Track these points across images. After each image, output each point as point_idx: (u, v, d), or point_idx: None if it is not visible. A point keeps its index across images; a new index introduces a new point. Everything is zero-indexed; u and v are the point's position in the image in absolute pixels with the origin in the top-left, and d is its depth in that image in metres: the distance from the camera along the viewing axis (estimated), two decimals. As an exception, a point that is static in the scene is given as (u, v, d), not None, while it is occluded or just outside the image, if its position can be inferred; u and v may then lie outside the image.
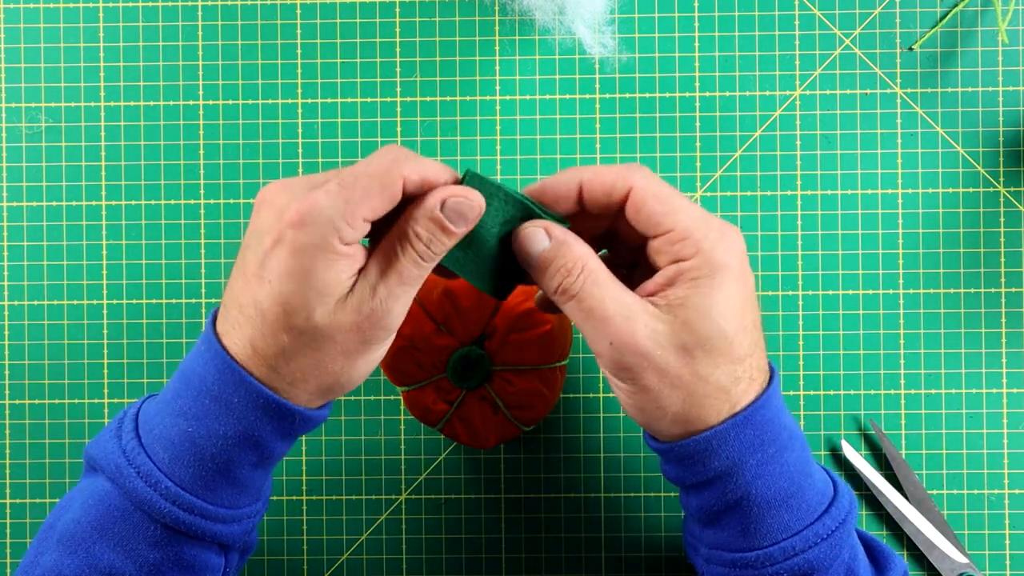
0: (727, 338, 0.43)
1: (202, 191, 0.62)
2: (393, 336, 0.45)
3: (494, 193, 0.45)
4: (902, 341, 0.61)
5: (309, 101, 0.62)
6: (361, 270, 0.43)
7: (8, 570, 0.62)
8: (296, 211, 0.42)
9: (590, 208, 0.45)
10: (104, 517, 0.45)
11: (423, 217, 0.43)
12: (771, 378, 0.46)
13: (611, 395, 0.61)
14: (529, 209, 0.45)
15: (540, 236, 0.44)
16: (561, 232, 0.45)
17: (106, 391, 0.61)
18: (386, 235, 0.44)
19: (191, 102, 0.62)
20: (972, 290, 0.61)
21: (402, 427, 0.62)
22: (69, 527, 0.45)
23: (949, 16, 0.61)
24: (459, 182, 0.44)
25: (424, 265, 0.43)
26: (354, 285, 0.43)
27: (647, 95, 0.62)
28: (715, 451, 0.44)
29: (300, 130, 0.62)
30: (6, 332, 0.62)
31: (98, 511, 0.45)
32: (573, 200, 0.45)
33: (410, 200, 0.44)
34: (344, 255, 0.42)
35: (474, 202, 0.43)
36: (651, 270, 0.45)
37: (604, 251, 0.50)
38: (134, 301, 0.62)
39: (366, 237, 0.44)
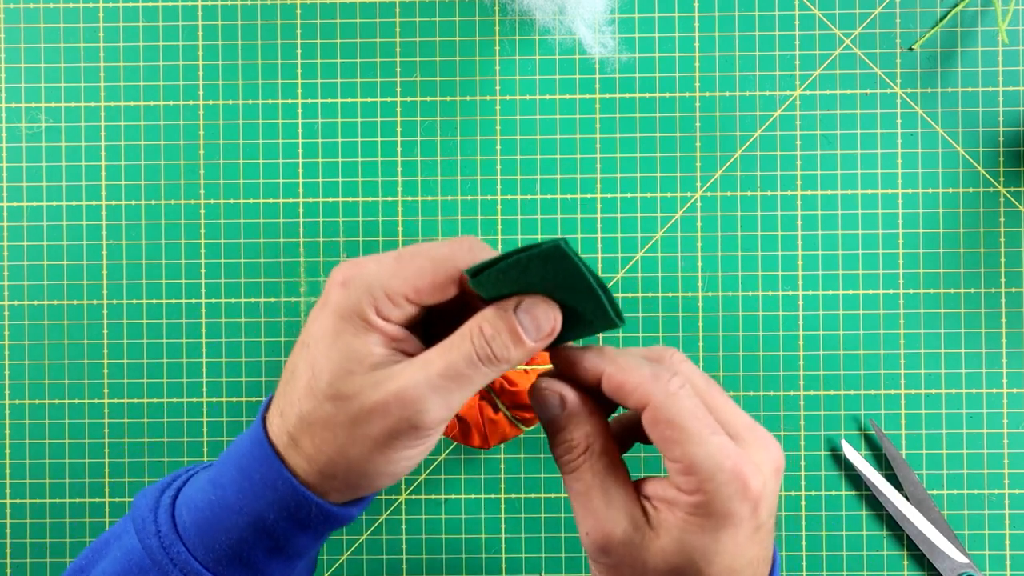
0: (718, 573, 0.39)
1: (202, 191, 0.62)
2: (428, 444, 0.41)
3: (575, 284, 0.39)
4: (902, 341, 0.61)
5: (309, 101, 0.62)
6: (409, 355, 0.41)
7: (8, 570, 0.62)
8: (344, 273, 0.40)
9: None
10: (126, 573, 0.43)
11: (492, 313, 0.40)
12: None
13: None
14: (594, 300, 0.39)
15: (553, 401, 0.41)
16: (574, 402, 0.41)
17: (106, 391, 0.61)
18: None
19: (191, 102, 0.62)
20: (972, 290, 0.61)
21: (402, 427, 0.61)
22: None
23: (949, 16, 0.61)
24: (541, 247, 0.38)
25: (478, 367, 0.39)
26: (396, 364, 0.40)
27: (647, 95, 0.62)
28: None
29: (300, 130, 0.62)
30: (6, 332, 0.62)
31: (121, 565, 0.43)
32: (591, 384, 0.42)
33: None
34: (377, 328, 0.40)
35: (552, 317, 0.40)
36: None
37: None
38: (134, 301, 0.62)
39: (416, 329, 0.41)
